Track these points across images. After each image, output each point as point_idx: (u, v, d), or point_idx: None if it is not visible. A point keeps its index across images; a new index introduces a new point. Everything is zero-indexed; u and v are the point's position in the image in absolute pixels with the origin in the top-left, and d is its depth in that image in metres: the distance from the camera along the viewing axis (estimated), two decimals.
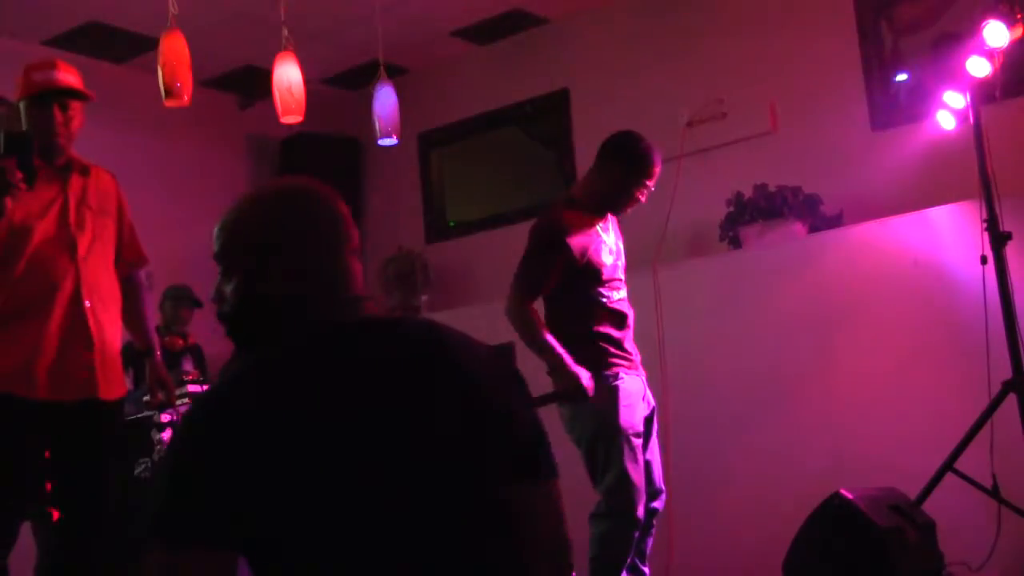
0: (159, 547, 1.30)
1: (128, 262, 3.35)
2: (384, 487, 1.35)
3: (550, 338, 3.41)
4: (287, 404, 1.35)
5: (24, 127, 3.09)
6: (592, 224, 3.58)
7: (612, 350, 3.54)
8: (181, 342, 5.48)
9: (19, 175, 2.89)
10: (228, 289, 1.53)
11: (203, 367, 5.53)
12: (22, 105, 3.12)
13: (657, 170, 3.61)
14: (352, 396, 1.39)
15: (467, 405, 1.45)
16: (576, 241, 3.49)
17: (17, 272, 2.99)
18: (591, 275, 3.53)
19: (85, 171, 3.20)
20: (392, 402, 1.41)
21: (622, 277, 3.69)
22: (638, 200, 3.63)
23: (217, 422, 1.34)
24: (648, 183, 3.60)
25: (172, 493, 1.32)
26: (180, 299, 5.53)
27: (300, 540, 1.31)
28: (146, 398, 3.55)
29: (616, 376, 3.49)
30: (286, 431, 1.33)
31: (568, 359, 3.38)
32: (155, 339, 3.45)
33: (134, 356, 5.48)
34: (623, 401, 3.47)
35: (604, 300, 3.57)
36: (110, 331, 3.17)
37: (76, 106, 3.14)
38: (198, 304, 5.59)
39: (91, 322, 3.08)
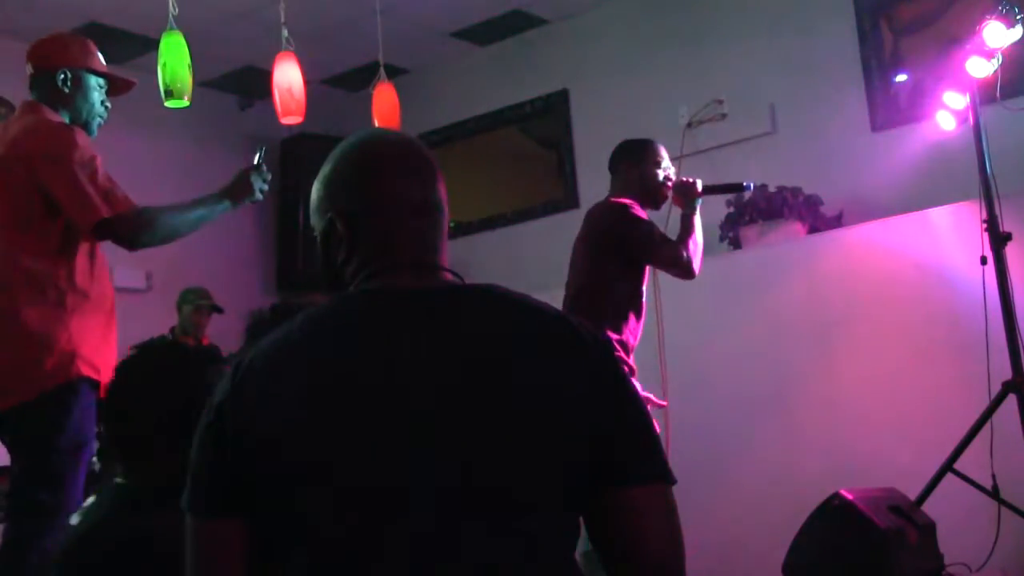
0: (187, 518, 1.34)
1: None
2: (401, 479, 1.25)
3: (693, 231, 3.56)
4: (297, 375, 1.30)
5: (75, 95, 2.91)
6: None
7: (624, 357, 3.55)
8: (193, 344, 5.49)
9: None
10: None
11: None
12: (84, 75, 2.92)
13: (662, 150, 3.74)
14: (368, 373, 1.29)
15: (508, 394, 1.29)
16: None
17: (95, 264, 2.89)
18: (640, 267, 3.61)
19: None
20: (417, 384, 1.28)
21: None
22: (666, 189, 3.68)
23: (233, 392, 1.32)
24: (660, 166, 3.69)
25: (192, 465, 1.34)
26: (200, 306, 5.56)
27: (310, 518, 1.27)
28: None
29: None
30: (295, 404, 1.28)
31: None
32: None
33: None
34: None
35: (642, 301, 3.63)
36: None
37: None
38: (218, 310, 5.62)
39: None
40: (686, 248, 3.54)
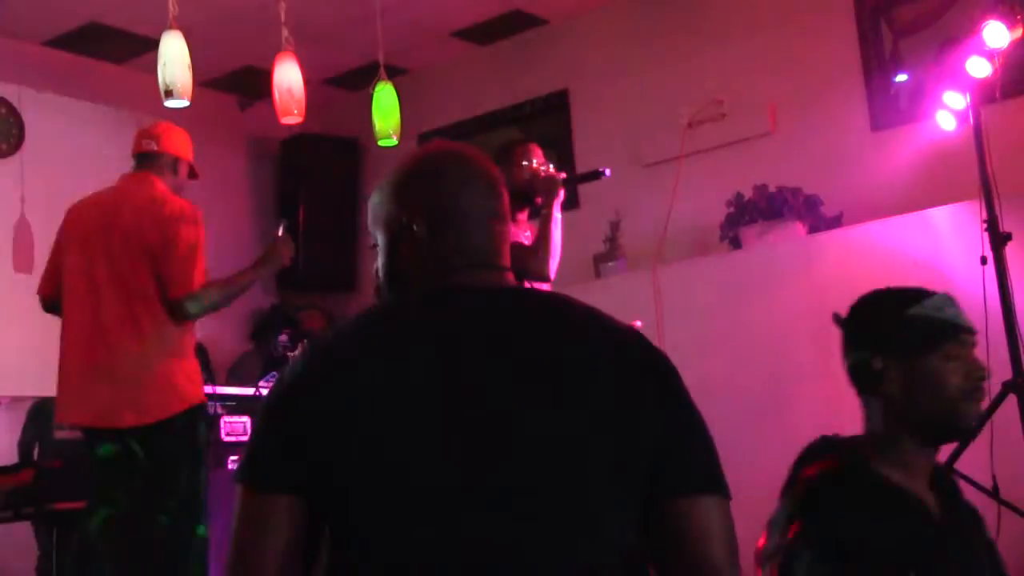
0: (241, 489, 1.34)
1: None
2: (471, 474, 1.27)
3: (550, 231, 3.48)
4: (377, 361, 1.32)
5: (176, 180, 3.61)
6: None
7: None
8: None
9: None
10: (377, 264, 1.51)
11: (207, 367, 5.50)
12: (187, 167, 3.65)
13: (531, 146, 3.66)
14: (449, 365, 1.32)
15: (585, 398, 1.31)
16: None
17: None
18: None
19: None
20: (495, 380, 1.31)
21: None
22: (531, 185, 3.59)
23: (310, 370, 1.34)
24: (528, 160, 3.61)
25: (255, 437, 1.36)
26: None
27: (373, 504, 1.28)
28: None
29: None
30: (373, 388, 1.30)
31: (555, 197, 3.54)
32: None
33: None
34: None
35: None
36: None
37: None
38: None
39: None
40: (536, 254, 3.45)
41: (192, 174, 3.71)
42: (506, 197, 1.52)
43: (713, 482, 1.39)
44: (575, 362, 1.34)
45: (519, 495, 1.27)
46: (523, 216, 3.66)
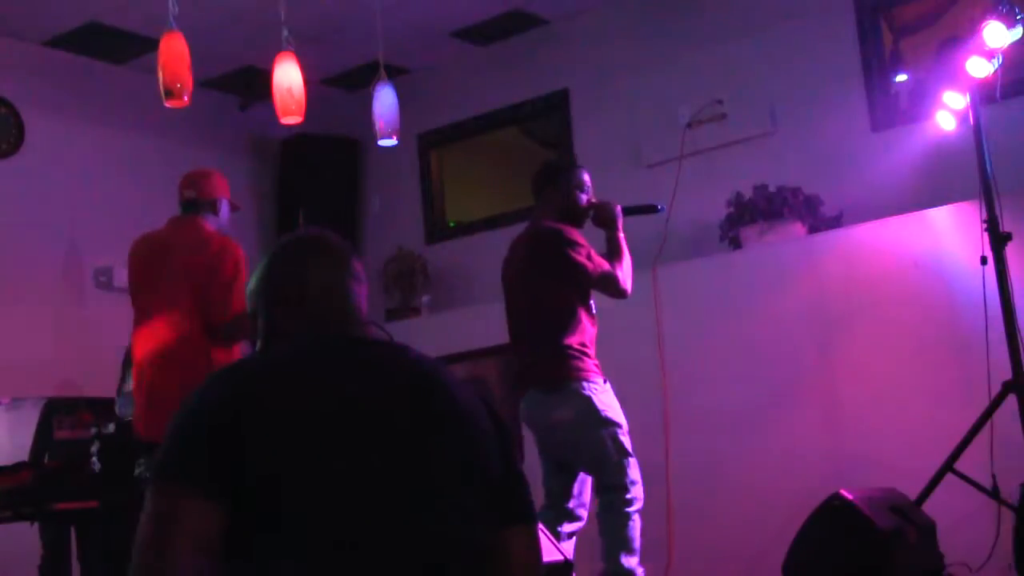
0: (155, 490, 1.41)
1: None
2: (365, 503, 1.44)
3: (623, 253, 3.75)
4: (292, 388, 1.48)
5: (219, 219, 3.95)
6: None
7: (595, 361, 3.67)
8: None
9: None
10: (259, 325, 1.72)
11: None
12: (227, 204, 3.99)
13: (584, 174, 3.85)
14: (351, 399, 1.51)
15: (456, 442, 1.55)
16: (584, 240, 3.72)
17: None
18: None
19: None
20: (387, 419, 1.51)
21: None
22: (588, 211, 3.82)
23: (227, 385, 1.49)
24: (582, 189, 3.81)
25: (173, 441, 1.45)
26: None
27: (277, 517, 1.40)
28: None
29: (604, 380, 3.65)
30: (285, 410, 1.45)
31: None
32: None
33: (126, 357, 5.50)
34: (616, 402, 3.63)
35: (593, 309, 3.74)
36: None
37: None
38: None
39: None
40: (620, 270, 3.69)
41: (234, 207, 4.06)
42: (358, 263, 1.75)
43: (531, 513, 1.64)
44: (424, 390, 1.58)
45: (411, 533, 1.46)
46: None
